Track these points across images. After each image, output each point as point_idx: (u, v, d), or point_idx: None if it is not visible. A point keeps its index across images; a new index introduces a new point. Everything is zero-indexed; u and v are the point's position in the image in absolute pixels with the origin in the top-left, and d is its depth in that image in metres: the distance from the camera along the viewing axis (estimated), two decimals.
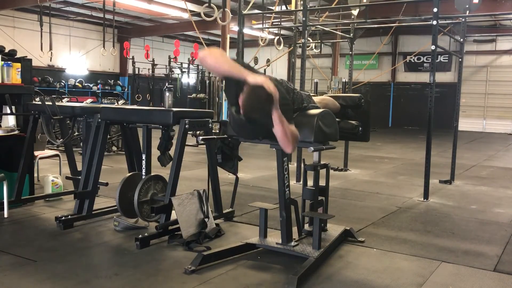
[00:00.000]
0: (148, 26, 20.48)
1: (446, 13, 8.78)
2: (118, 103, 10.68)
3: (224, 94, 11.66)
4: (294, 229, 3.64)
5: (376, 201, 5.69)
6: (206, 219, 4.00)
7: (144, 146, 4.28)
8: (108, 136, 7.90)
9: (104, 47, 13.73)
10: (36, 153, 5.50)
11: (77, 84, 18.81)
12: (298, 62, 8.52)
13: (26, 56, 5.44)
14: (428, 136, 5.72)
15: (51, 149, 7.47)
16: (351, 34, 8.65)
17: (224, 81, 3.09)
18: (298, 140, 3.05)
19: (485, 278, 3.26)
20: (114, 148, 9.51)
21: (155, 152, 4.20)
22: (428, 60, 18.92)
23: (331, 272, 3.29)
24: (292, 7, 10.89)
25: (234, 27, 14.11)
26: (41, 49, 14.19)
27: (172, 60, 16.57)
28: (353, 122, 3.92)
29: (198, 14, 10.52)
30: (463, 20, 7.09)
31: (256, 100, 2.75)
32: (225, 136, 3.93)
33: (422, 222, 4.71)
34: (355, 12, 9.61)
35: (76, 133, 6.18)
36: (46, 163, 6.94)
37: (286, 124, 2.90)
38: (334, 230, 3.93)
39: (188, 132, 4.04)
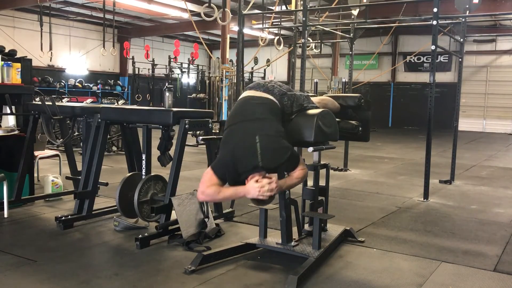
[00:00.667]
0: (148, 26, 20.47)
1: (446, 13, 8.78)
2: (118, 103, 10.68)
3: (224, 92, 11.68)
4: (294, 229, 3.64)
5: (376, 201, 5.69)
6: (206, 219, 4.00)
7: (144, 146, 4.28)
8: (108, 136, 7.90)
9: (104, 47, 13.73)
10: (36, 153, 5.50)
11: (77, 84, 18.81)
12: (298, 62, 8.51)
13: (26, 56, 5.44)
14: (428, 136, 5.72)
15: (51, 149, 7.47)
16: (351, 34, 8.65)
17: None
18: (306, 176, 3.20)
19: (485, 278, 3.26)
20: (114, 148, 9.51)
21: (155, 152, 4.20)
22: (428, 60, 18.92)
23: (331, 272, 3.29)
24: (292, 7, 10.88)
25: (234, 27, 14.12)
26: (41, 49, 14.20)
27: (172, 60, 16.59)
28: (353, 122, 3.92)
29: (198, 14, 10.52)
30: (463, 20, 7.09)
31: (262, 203, 3.04)
32: None
33: (422, 222, 4.71)
34: (355, 12, 9.60)
35: (76, 133, 6.18)
36: (46, 163, 6.94)
37: (292, 182, 3.09)
38: (334, 230, 3.93)
39: (188, 132, 4.04)
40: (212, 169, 2.99)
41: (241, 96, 3.33)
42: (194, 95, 13.11)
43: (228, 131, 3.09)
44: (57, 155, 6.07)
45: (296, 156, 3.05)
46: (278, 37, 12.55)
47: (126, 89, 20.52)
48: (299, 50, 8.48)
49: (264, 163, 2.89)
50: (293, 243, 3.51)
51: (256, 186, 2.85)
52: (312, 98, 3.59)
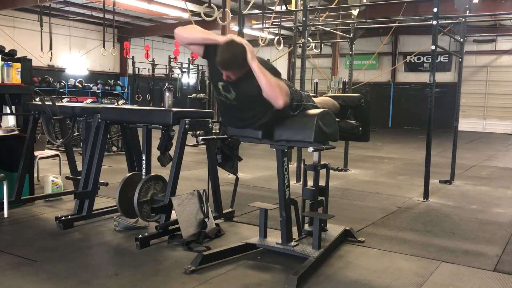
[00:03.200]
0: (148, 26, 20.47)
1: (446, 13, 8.78)
2: (118, 103, 10.69)
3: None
4: (294, 229, 3.64)
5: (376, 201, 5.69)
6: (206, 219, 4.00)
7: (144, 146, 4.28)
8: (108, 136, 7.90)
9: (104, 47, 13.74)
10: (36, 153, 5.50)
11: (77, 84, 18.81)
12: (298, 62, 8.52)
13: (26, 56, 5.44)
14: (428, 136, 5.72)
15: (51, 149, 7.47)
16: (351, 34, 8.65)
17: (207, 60, 3.22)
18: (287, 93, 3.07)
19: (485, 278, 3.26)
20: (114, 148, 9.51)
21: (155, 152, 4.20)
22: (428, 60, 18.91)
23: (331, 272, 3.29)
24: (292, 7, 10.88)
25: (234, 27, 14.11)
26: (41, 49, 14.20)
27: (172, 60, 16.57)
28: (353, 122, 3.92)
29: (198, 14, 10.52)
30: (463, 20, 7.09)
31: (228, 52, 2.89)
32: (225, 136, 3.93)
33: (422, 222, 4.71)
34: (355, 12, 9.61)
35: (76, 133, 6.18)
36: (46, 163, 6.93)
37: (268, 74, 2.97)
38: (334, 230, 3.93)
39: (188, 132, 4.04)
40: None
41: None
42: (194, 95, 13.10)
43: None
44: (57, 155, 6.07)
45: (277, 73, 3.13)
46: (278, 37, 12.56)
47: (126, 89, 20.51)
48: (299, 50, 8.49)
49: None
50: (293, 243, 3.51)
51: (234, 35, 2.97)
52: (313, 98, 3.60)
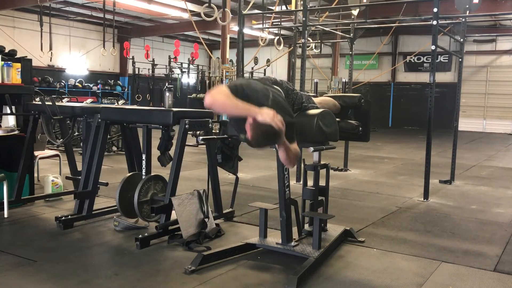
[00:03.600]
0: (148, 26, 20.48)
1: (446, 13, 8.78)
2: (118, 103, 10.69)
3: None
4: (294, 229, 3.64)
5: (376, 201, 5.69)
6: (206, 219, 4.00)
7: (144, 146, 4.28)
8: (108, 136, 7.90)
9: (104, 47, 13.74)
10: (36, 153, 5.50)
11: (77, 84, 18.81)
12: (298, 62, 8.51)
13: (26, 56, 5.44)
14: (428, 136, 5.72)
15: (51, 149, 7.47)
16: (351, 34, 8.65)
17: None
18: (298, 157, 3.11)
19: (485, 278, 3.26)
20: (114, 148, 9.51)
21: (155, 152, 4.20)
22: (428, 60, 18.91)
23: (331, 272, 3.29)
24: (292, 7, 10.88)
25: (234, 27, 14.12)
26: (41, 49, 14.21)
27: (172, 60, 16.59)
28: (353, 122, 3.92)
29: (198, 14, 10.52)
30: (463, 20, 7.09)
31: (264, 136, 2.76)
32: (225, 136, 3.93)
33: (422, 222, 4.71)
34: (355, 12, 9.60)
35: (76, 133, 6.18)
36: (46, 163, 6.94)
37: (289, 149, 2.97)
38: (334, 230, 3.93)
39: (188, 132, 4.04)
40: (226, 85, 2.98)
41: None
42: (194, 95, 13.09)
43: (240, 79, 3.15)
44: (57, 155, 6.07)
45: (296, 129, 3.07)
46: (278, 37, 12.56)
47: (126, 89, 20.51)
48: (299, 50, 8.48)
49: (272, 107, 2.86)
50: (293, 243, 3.51)
51: (271, 112, 2.71)
52: (313, 99, 3.60)
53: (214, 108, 2.95)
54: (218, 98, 2.83)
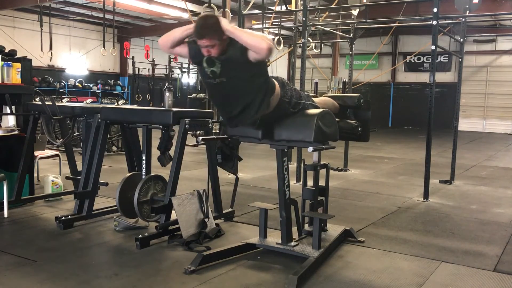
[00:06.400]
0: (148, 26, 20.47)
1: (446, 13, 8.78)
2: (118, 103, 10.68)
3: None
4: (294, 229, 3.65)
5: (376, 201, 5.69)
6: (206, 219, 4.00)
7: (144, 146, 4.28)
8: (108, 136, 7.90)
9: (104, 47, 13.73)
10: (36, 153, 5.50)
11: (77, 84, 18.80)
12: (298, 62, 8.52)
13: (26, 56, 5.44)
14: (428, 136, 5.72)
15: (51, 149, 7.47)
16: (351, 34, 8.65)
17: (192, 58, 3.26)
18: (268, 38, 3.01)
19: (485, 278, 3.26)
20: (114, 148, 9.51)
21: (155, 152, 4.20)
22: (428, 60, 18.92)
23: (331, 272, 3.29)
24: (292, 7, 10.89)
25: None
26: (41, 49, 14.20)
27: (172, 60, 16.58)
28: (353, 122, 3.92)
29: (198, 14, 10.52)
30: (463, 20, 7.09)
31: (202, 23, 2.97)
32: (225, 136, 3.93)
33: (422, 222, 4.71)
34: (355, 12, 9.61)
35: (76, 133, 6.18)
36: (46, 163, 6.94)
37: (246, 30, 3.07)
38: (334, 230, 3.93)
39: (188, 132, 4.04)
40: None
41: None
42: (194, 95, 13.09)
43: None
44: (57, 155, 6.06)
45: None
46: (278, 37, 12.55)
47: (126, 89, 20.50)
48: (299, 50, 8.49)
49: None
50: (293, 243, 3.51)
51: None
52: (312, 99, 3.60)
53: (162, 46, 3.25)
54: (162, 37, 3.20)
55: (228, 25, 2.97)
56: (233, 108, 3.20)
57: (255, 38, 2.92)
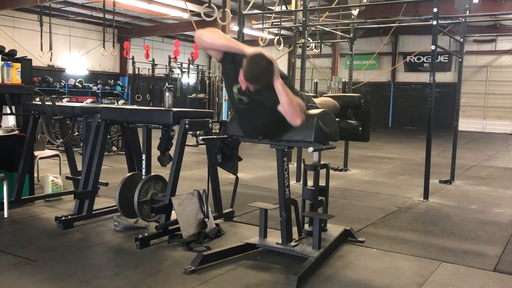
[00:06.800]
0: (148, 26, 20.48)
1: (446, 13, 8.78)
2: (118, 103, 10.68)
3: (224, 92, 11.68)
4: (294, 229, 3.64)
5: (376, 201, 5.69)
6: (206, 219, 4.00)
7: (144, 146, 4.28)
8: (108, 136, 7.90)
9: (104, 47, 13.74)
10: (36, 153, 5.50)
11: (77, 84, 18.81)
12: (298, 62, 8.52)
13: (26, 56, 5.44)
14: (428, 136, 5.72)
15: (51, 149, 7.47)
16: (351, 34, 8.65)
17: (222, 64, 3.16)
18: (305, 112, 3.07)
19: (485, 278, 3.26)
20: (114, 148, 9.51)
21: (155, 152, 4.20)
22: (428, 60, 18.92)
23: (331, 272, 3.29)
24: (292, 7, 10.89)
25: (234, 27, 14.11)
26: (41, 49, 14.21)
27: (172, 60, 16.57)
28: (353, 122, 3.92)
29: (198, 14, 10.52)
30: (463, 20, 7.09)
31: (256, 67, 2.83)
32: (225, 136, 3.93)
33: (422, 222, 4.71)
34: (355, 12, 9.61)
35: (76, 133, 6.18)
36: (46, 163, 6.93)
37: (290, 93, 2.95)
38: (334, 230, 3.93)
39: (188, 132, 4.04)
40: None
41: None
42: (194, 95, 13.09)
43: None
44: (57, 155, 6.06)
45: (291, 86, 3.10)
46: (278, 37, 12.56)
47: (126, 89, 20.51)
48: (299, 50, 8.49)
49: None
50: (293, 243, 3.51)
51: (259, 47, 2.88)
52: (313, 99, 3.60)
53: (203, 39, 3.00)
54: (210, 30, 2.94)
55: (278, 78, 2.90)
56: (256, 128, 3.28)
57: (293, 109, 2.97)
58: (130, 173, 4.40)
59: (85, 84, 19.14)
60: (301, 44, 7.04)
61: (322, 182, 3.79)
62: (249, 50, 2.87)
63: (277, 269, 3.32)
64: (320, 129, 3.23)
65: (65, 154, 5.28)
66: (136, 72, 17.68)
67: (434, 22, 5.69)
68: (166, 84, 9.80)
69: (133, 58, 17.23)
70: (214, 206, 4.42)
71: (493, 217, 5.03)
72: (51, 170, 6.54)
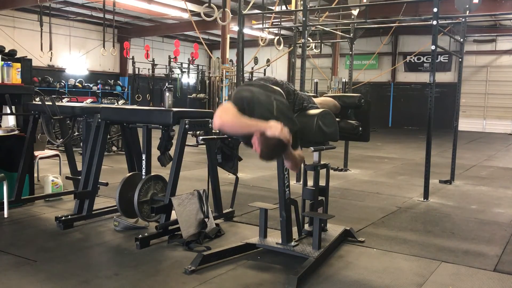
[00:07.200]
0: (148, 26, 20.47)
1: (446, 13, 8.78)
2: (118, 103, 10.68)
3: (224, 92, 11.69)
4: (294, 229, 3.64)
5: (376, 201, 5.69)
6: (206, 219, 4.00)
7: (144, 146, 4.28)
8: (108, 136, 7.90)
9: (104, 47, 13.73)
10: (36, 153, 5.50)
11: (77, 84, 18.80)
12: (298, 62, 8.51)
13: (26, 56, 5.44)
14: (428, 136, 5.72)
15: (51, 149, 7.47)
16: (351, 34, 8.65)
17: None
18: (304, 161, 3.16)
19: (485, 278, 3.26)
20: (114, 148, 9.51)
21: (155, 152, 4.20)
22: (428, 60, 18.91)
23: (331, 272, 3.29)
24: (292, 7, 10.88)
25: (234, 27, 14.11)
26: (41, 49, 14.20)
27: (172, 60, 16.57)
28: (353, 122, 3.92)
29: (198, 14, 10.52)
30: (463, 20, 7.09)
31: (274, 150, 2.84)
32: (225, 136, 3.93)
33: (422, 222, 4.71)
34: (355, 12, 9.60)
35: (76, 133, 6.18)
36: (46, 163, 6.93)
37: (295, 156, 3.03)
38: (334, 230, 3.93)
39: (188, 132, 4.04)
40: (231, 102, 2.96)
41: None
42: (194, 95, 13.09)
43: (246, 85, 3.17)
44: (57, 155, 6.07)
45: (299, 135, 3.08)
46: (278, 37, 12.55)
47: (126, 89, 20.51)
48: (299, 50, 8.48)
49: (278, 119, 2.86)
50: (293, 243, 3.51)
51: (278, 125, 2.76)
52: (313, 99, 3.60)
53: (224, 130, 2.97)
54: (226, 119, 2.85)
55: (289, 150, 2.93)
56: None
57: (292, 168, 3.16)
58: (130, 173, 4.40)
59: (85, 84, 19.13)
60: (301, 44, 7.04)
61: (322, 182, 3.79)
62: (268, 131, 2.76)
63: (277, 269, 3.32)
64: (320, 129, 3.23)
65: (65, 154, 5.28)
66: (136, 72, 17.68)
67: (434, 22, 5.69)
68: (166, 84, 9.80)
69: (133, 58, 17.22)
70: (214, 206, 4.42)
71: (493, 217, 5.03)
72: (51, 170, 6.54)
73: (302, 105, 3.39)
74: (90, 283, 2.98)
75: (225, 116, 2.86)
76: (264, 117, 2.84)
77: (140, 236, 3.68)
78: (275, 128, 2.73)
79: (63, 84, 18.10)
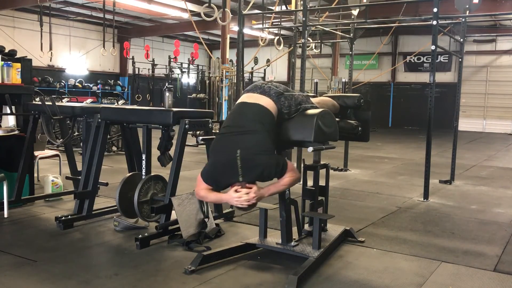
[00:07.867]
0: (148, 26, 20.47)
1: (446, 13, 8.79)
2: (118, 103, 10.68)
3: (224, 92, 11.69)
4: (294, 229, 3.64)
5: (376, 201, 5.69)
6: (206, 219, 4.00)
7: (144, 146, 4.28)
8: (108, 136, 7.90)
9: (104, 47, 13.73)
10: (36, 153, 5.50)
11: (77, 84, 18.80)
12: (298, 62, 8.50)
13: (26, 56, 5.43)
14: (428, 136, 5.72)
15: (51, 149, 7.47)
16: (351, 34, 8.65)
17: None
18: (299, 177, 3.22)
19: (485, 278, 3.26)
20: (114, 148, 9.51)
21: (155, 152, 4.20)
22: (428, 60, 18.92)
23: (331, 272, 3.29)
24: (292, 7, 10.87)
25: (234, 27, 14.12)
26: (41, 49, 14.20)
27: (172, 60, 16.58)
28: (353, 122, 3.92)
29: (198, 14, 10.52)
30: (463, 20, 7.09)
31: (246, 208, 3.13)
32: None
33: (422, 222, 4.71)
34: (355, 12, 9.59)
35: (76, 133, 6.18)
36: (46, 163, 6.94)
37: (280, 185, 3.13)
38: (334, 230, 3.93)
39: (188, 132, 4.03)
40: (200, 175, 3.17)
41: (238, 101, 3.41)
42: (194, 95, 13.09)
43: (217, 139, 3.25)
44: (57, 155, 6.07)
45: (281, 165, 3.07)
46: (278, 37, 12.55)
47: (126, 89, 20.51)
48: (299, 50, 8.48)
49: (244, 178, 3.02)
50: (293, 243, 3.51)
51: (235, 196, 3.04)
52: (312, 99, 3.60)
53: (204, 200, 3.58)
54: (201, 195, 3.21)
55: (265, 195, 3.10)
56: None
57: (288, 186, 3.22)
58: (130, 173, 4.40)
59: (85, 84, 19.13)
60: (301, 44, 7.03)
61: (322, 182, 3.79)
62: (233, 203, 3.09)
63: (277, 269, 3.32)
64: (320, 129, 3.23)
65: (65, 154, 5.28)
66: (136, 72, 17.68)
67: (434, 22, 5.69)
68: (166, 84, 9.82)
69: (133, 58, 17.23)
70: (214, 206, 4.42)
71: (493, 217, 5.03)
72: (51, 170, 6.54)
73: (299, 105, 3.34)
74: (90, 283, 2.99)
75: (199, 192, 3.19)
76: (232, 183, 3.07)
77: (140, 236, 3.68)
78: (237, 199, 3.03)
79: (63, 84, 18.10)
